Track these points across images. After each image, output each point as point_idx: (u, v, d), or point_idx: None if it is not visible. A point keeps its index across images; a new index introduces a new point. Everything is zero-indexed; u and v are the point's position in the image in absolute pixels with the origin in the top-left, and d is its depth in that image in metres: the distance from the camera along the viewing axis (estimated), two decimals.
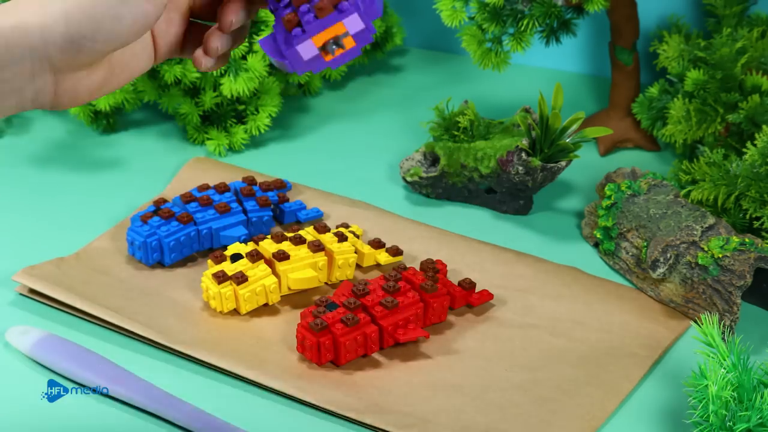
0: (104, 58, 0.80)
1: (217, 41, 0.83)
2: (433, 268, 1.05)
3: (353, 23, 0.78)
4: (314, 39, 0.78)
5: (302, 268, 1.05)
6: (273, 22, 0.95)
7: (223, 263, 1.04)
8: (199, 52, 0.84)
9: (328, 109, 1.36)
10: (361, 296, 1.01)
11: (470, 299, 1.05)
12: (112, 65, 0.81)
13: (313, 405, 0.95)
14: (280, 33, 0.79)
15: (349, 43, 0.78)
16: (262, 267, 1.03)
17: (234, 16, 0.82)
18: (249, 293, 1.02)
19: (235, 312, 1.04)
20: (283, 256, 1.04)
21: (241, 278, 1.02)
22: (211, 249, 1.12)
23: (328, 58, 0.79)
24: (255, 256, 1.04)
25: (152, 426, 0.94)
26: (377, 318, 0.99)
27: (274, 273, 1.04)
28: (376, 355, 1.00)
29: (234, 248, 1.06)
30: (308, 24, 0.78)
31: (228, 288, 1.02)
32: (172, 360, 1.00)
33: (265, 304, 1.04)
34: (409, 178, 1.20)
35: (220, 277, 1.02)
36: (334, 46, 0.78)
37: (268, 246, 1.06)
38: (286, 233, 1.08)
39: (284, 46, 0.78)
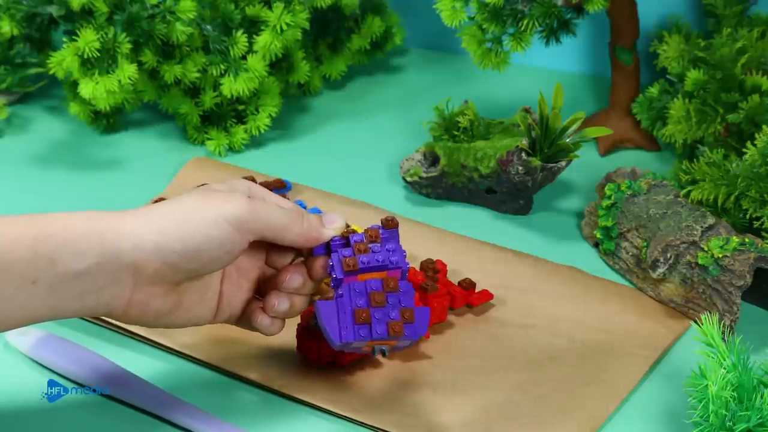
0: (181, 281, 0.87)
1: (274, 298, 0.92)
2: (433, 268, 1.05)
3: (404, 343, 0.90)
4: (370, 341, 0.89)
5: None
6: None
7: None
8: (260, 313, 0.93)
9: (328, 109, 1.36)
10: None
11: (470, 299, 1.05)
12: (180, 299, 0.89)
13: (313, 405, 0.95)
14: (346, 316, 0.90)
15: (389, 348, 0.91)
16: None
17: (291, 278, 0.92)
18: None
19: None
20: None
21: None
22: None
23: (364, 350, 0.90)
24: None
25: (152, 426, 0.94)
26: None
27: None
28: (376, 356, 1.00)
29: None
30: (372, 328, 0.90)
31: None
32: (172, 360, 1.00)
33: None
34: (409, 178, 1.20)
35: None
36: (379, 352, 0.90)
37: None
38: None
39: (343, 327, 0.90)
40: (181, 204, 0.87)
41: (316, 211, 1.15)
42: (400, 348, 0.92)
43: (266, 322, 0.93)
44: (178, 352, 1.00)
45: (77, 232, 0.84)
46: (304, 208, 1.16)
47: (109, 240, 0.84)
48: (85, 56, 1.20)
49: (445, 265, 1.06)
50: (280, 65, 1.31)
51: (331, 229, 0.92)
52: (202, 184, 1.14)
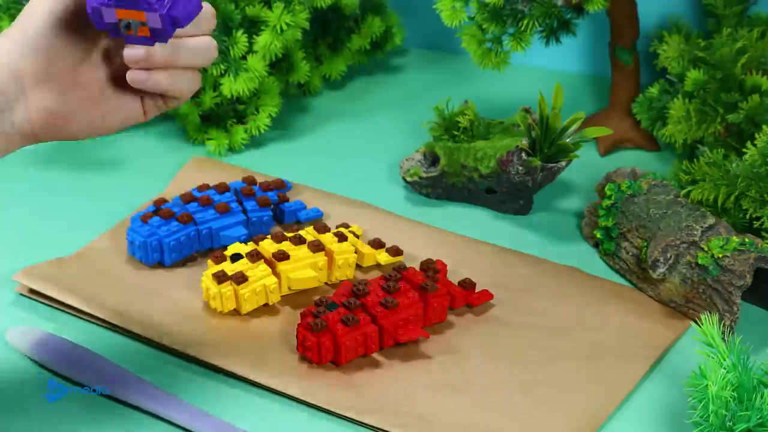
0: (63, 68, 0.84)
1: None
2: (433, 268, 1.05)
3: (153, 20, 0.82)
4: (117, 11, 0.83)
5: (302, 268, 1.05)
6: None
7: (223, 263, 1.04)
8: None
9: (328, 109, 1.36)
10: (361, 296, 1.01)
11: (470, 299, 1.05)
12: (78, 96, 0.86)
13: (313, 405, 0.95)
14: None
15: (144, 32, 0.83)
16: (262, 267, 1.03)
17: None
18: (249, 293, 1.02)
19: (235, 312, 1.04)
20: (283, 256, 1.04)
21: (241, 278, 1.02)
22: (211, 249, 1.12)
23: (128, 33, 0.83)
24: (255, 256, 1.04)
25: (152, 426, 0.94)
26: (377, 318, 0.99)
27: (274, 273, 1.04)
28: (376, 355, 1.00)
29: (234, 248, 1.06)
30: None
31: (228, 288, 1.02)
32: (173, 360, 1.00)
33: (265, 304, 1.04)
34: (409, 178, 1.20)
35: (220, 277, 1.02)
36: (124, 27, 0.83)
37: (268, 246, 1.06)
38: (286, 233, 1.08)
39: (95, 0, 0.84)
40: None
41: (317, 211, 1.15)
42: (155, 34, 0.84)
43: (133, 77, 0.86)
44: (178, 352, 1.00)
45: None
46: (304, 208, 1.16)
47: None
48: None
49: (445, 265, 1.06)
50: (280, 65, 1.31)
51: None
52: (202, 184, 1.14)
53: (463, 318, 1.04)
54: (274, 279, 1.03)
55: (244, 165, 1.25)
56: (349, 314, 0.98)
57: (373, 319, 0.99)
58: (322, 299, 1.01)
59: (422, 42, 1.48)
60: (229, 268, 1.04)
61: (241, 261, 1.04)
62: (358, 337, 0.98)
